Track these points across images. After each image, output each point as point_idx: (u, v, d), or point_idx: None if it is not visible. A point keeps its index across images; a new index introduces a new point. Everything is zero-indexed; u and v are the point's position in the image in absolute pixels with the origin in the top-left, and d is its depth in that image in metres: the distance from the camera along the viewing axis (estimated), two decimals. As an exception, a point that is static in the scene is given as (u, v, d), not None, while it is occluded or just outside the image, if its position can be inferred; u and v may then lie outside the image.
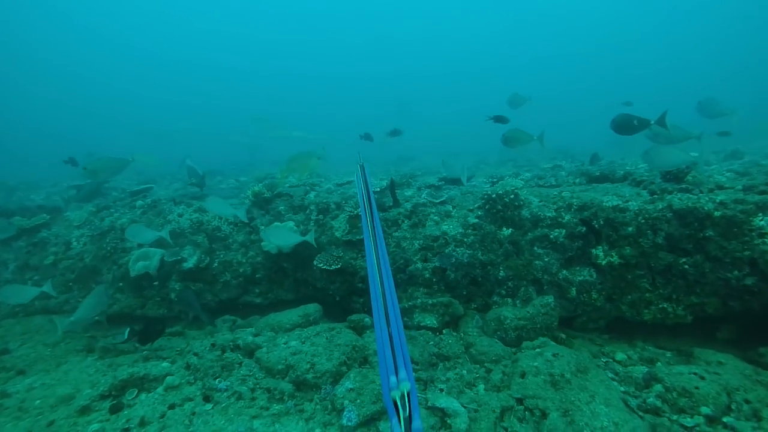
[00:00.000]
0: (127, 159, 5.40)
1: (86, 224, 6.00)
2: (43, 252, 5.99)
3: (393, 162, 12.70)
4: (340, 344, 3.93)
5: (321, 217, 5.35)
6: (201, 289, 5.33)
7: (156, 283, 5.35)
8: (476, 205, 5.12)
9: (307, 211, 5.45)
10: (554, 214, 4.71)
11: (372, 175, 7.37)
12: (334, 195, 5.71)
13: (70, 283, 5.77)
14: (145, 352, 4.66)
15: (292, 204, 5.63)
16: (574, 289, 4.43)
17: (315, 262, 4.97)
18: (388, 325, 1.35)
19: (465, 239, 4.78)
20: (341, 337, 4.07)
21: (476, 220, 4.89)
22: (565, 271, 4.52)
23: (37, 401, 3.90)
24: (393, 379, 1.13)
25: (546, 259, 4.60)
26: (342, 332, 4.20)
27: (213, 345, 4.06)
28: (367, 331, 4.48)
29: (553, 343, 3.92)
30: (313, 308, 4.81)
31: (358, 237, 5.01)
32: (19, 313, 5.82)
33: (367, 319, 4.55)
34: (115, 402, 3.62)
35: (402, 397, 1.05)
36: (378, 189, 5.52)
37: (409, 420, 1.04)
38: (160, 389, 3.68)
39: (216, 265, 5.34)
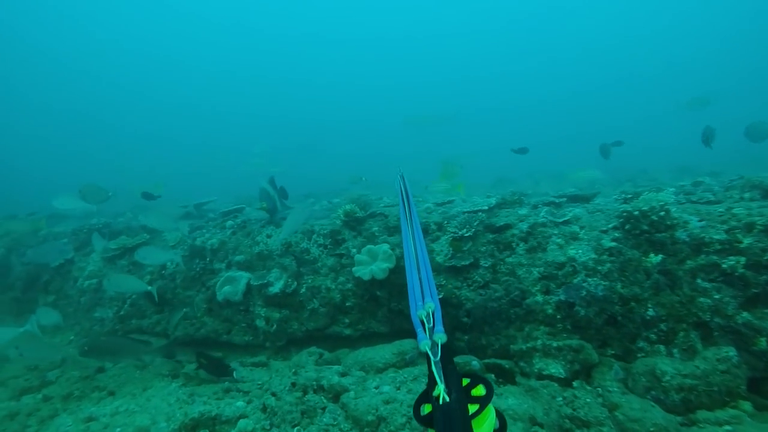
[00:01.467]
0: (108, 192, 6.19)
1: (180, 244, 5.90)
2: (141, 271, 5.97)
3: (492, 185, 11.67)
4: (443, 394, 3.16)
5: (419, 238, 4.67)
6: (287, 317, 4.86)
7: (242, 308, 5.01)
8: (611, 225, 4.11)
9: (404, 232, 4.81)
10: (726, 236, 3.57)
11: (477, 194, 6.59)
12: (434, 215, 5.03)
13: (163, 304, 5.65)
14: (226, 383, 4.26)
15: (387, 225, 5.02)
16: (763, 339, 3.24)
17: (412, 291, 4.28)
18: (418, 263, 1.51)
19: (599, 267, 3.80)
20: (444, 384, 3.30)
21: (613, 244, 3.89)
22: (746, 314, 3.35)
23: (118, 429, 3.64)
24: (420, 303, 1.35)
25: (716, 296, 3.46)
26: (444, 378, 3.43)
27: (294, 384, 3.50)
28: (475, 378, 3.67)
29: (749, 419, 2.79)
30: (409, 345, 4.09)
31: (463, 262, 4.24)
32: (118, 332, 5.81)
33: (474, 362, 3.73)
34: (184, 445, 3.17)
35: (427, 315, 1.25)
36: (485, 207, 4.72)
37: (432, 330, 1.21)
38: (231, 435, 3.16)
39: (303, 290, 4.86)
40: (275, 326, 4.82)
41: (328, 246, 5.05)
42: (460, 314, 4.21)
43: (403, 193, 2.30)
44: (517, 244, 4.26)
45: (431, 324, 1.25)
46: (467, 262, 4.25)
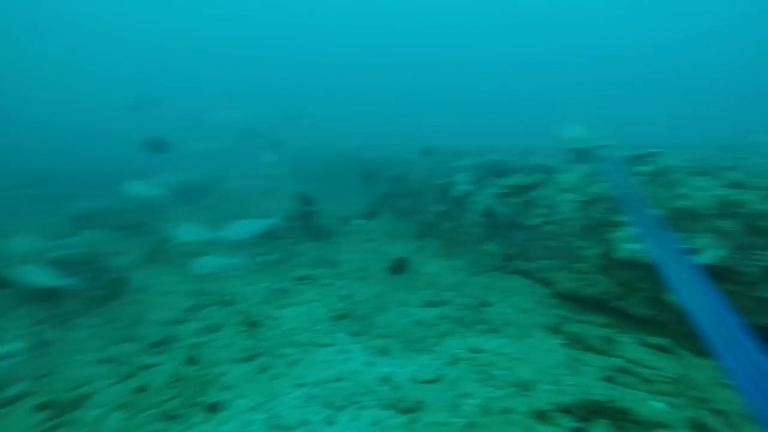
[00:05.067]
0: None
1: (575, 189, 5.24)
2: (528, 212, 5.70)
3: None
4: None
5: None
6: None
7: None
8: None
9: None
10: None
11: None
12: None
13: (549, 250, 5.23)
14: (621, 360, 3.48)
15: None
16: None
17: None
18: None
19: None
20: None
21: None
22: None
23: (499, 371, 3.52)
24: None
25: None
26: None
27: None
28: None
29: None
30: None
31: None
32: (504, 269, 5.81)
33: None
34: (579, 427, 2.60)
35: None
36: None
37: None
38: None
39: (755, 270, 3.39)
40: (695, 308, 3.61)
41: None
42: None
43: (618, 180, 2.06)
44: None
45: None
46: None
